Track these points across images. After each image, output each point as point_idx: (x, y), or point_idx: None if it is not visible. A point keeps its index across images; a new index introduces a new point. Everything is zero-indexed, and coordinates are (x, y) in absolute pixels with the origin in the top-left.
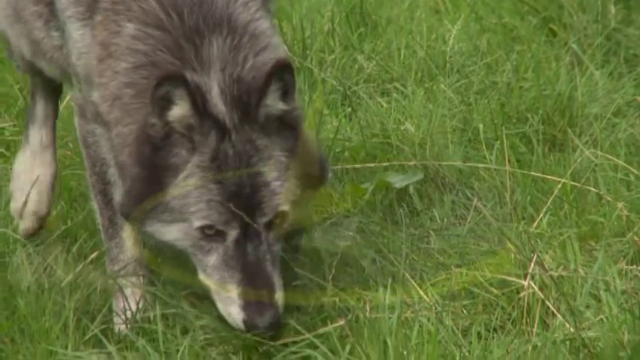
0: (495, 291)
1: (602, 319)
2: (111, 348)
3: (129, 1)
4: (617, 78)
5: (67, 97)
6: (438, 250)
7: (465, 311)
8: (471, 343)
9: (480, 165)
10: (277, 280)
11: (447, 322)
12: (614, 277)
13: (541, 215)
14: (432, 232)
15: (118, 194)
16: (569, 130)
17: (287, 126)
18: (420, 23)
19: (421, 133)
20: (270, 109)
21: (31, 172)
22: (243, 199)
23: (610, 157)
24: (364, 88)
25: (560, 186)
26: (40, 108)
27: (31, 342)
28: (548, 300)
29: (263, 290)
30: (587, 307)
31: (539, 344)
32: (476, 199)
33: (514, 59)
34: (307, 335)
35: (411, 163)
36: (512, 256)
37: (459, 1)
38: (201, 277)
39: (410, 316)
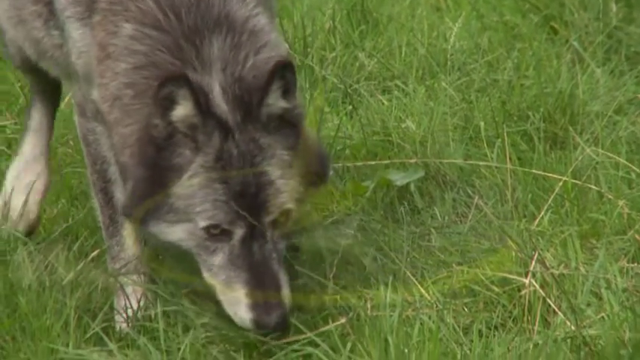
0: (496, 289)
1: (603, 317)
2: (112, 346)
3: (126, 1)
4: (618, 76)
5: (68, 95)
6: (439, 248)
7: (466, 309)
8: (472, 340)
9: (481, 163)
10: (284, 279)
11: (448, 320)
12: (615, 275)
13: (542, 213)
14: (433, 230)
15: (119, 192)
16: (571, 128)
17: (288, 124)
18: (421, 21)
19: (422, 130)
20: (271, 107)
21: (21, 181)
22: (248, 199)
23: (611, 154)
24: (365, 86)
25: (561, 184)
26: (36, 117)
27: (33, 340)
28: (549, 298)
29: (270, 289)
30: (588, 305)
31: (540, 342)
32: (477, 197)
33: (515, 57)
34: (308, 333)
35: (412, 160)
36: (514, 253)
37: None
38: (207, 277)
39: (411, 314)
